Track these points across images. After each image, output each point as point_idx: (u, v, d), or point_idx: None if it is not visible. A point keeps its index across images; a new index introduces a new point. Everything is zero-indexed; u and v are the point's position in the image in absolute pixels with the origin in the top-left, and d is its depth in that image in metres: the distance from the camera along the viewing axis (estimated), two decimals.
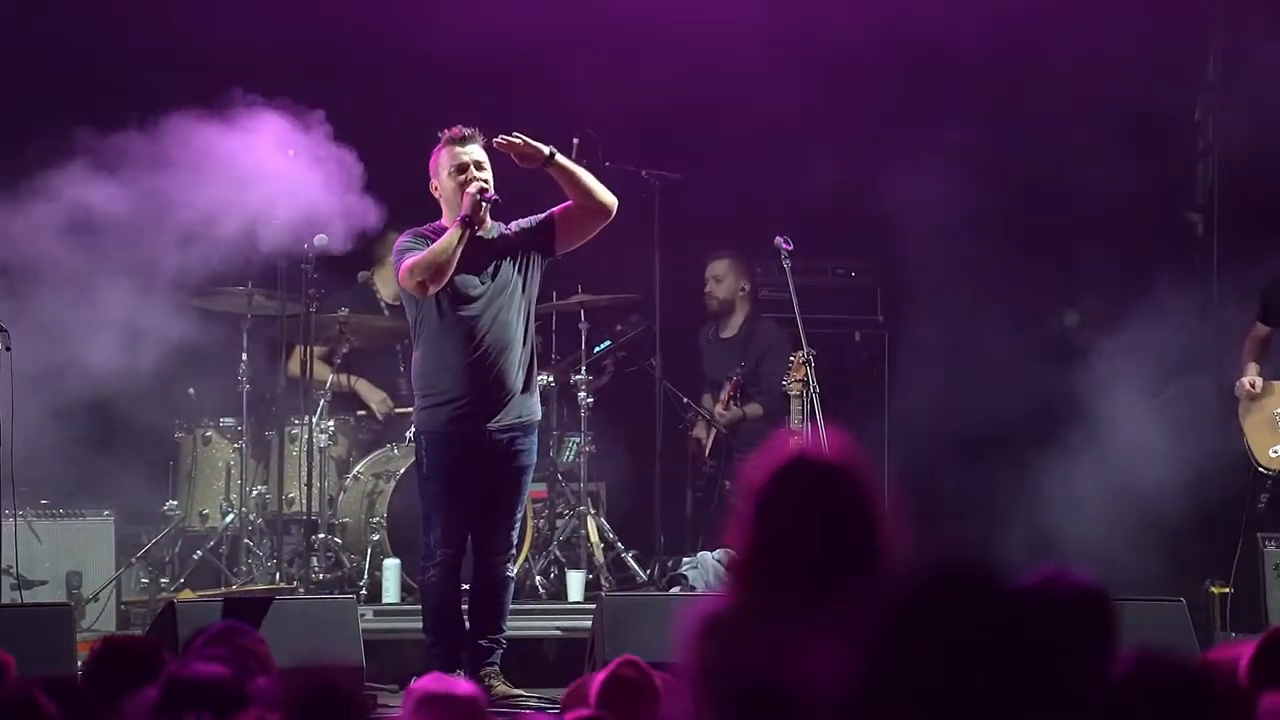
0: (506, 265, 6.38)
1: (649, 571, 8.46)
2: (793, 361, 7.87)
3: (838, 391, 8.19)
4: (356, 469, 8.35)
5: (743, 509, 2.82)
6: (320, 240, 7.89)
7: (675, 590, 8.13)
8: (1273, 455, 7.80)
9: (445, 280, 6.24)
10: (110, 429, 8.13)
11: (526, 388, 6.44)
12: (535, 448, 6.60)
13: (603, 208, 6.43)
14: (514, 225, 6.44)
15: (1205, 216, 9.45)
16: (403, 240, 6.41)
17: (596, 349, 8.77)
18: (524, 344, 6.43)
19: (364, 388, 8.58)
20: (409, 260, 6.26)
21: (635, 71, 8.72)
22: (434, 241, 6.27)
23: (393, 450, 8.36)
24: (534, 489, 8.34)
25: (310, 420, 8.12)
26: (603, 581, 8.25)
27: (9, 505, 7.25)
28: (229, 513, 8.18)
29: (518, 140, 6.33)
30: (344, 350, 8.40)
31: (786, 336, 8.44)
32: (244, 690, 3.21)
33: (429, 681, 3.43)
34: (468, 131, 6.37)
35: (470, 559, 6.54)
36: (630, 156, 8.56)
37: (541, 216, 6.46)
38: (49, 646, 6.03)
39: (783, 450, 2.87)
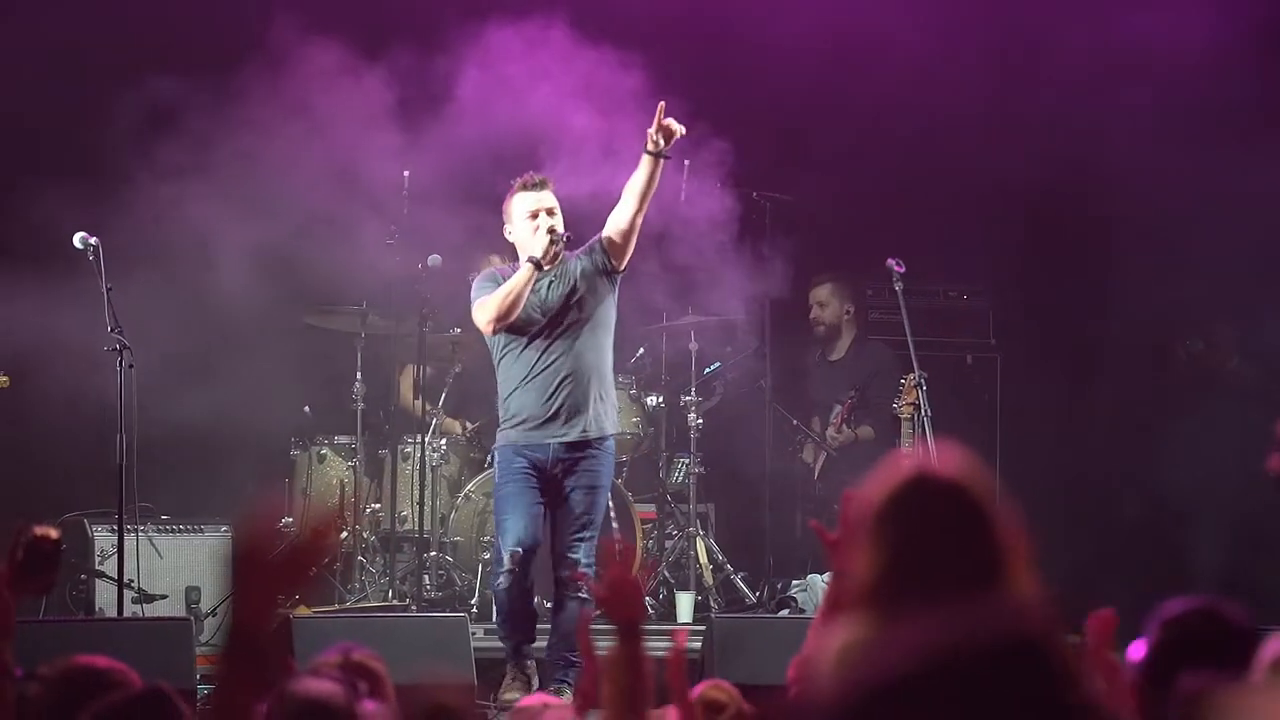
0: (573, 296, 6.69)
1: (758, 593, 8.44)
2: (904, 384, 7.84)
3: (948, 416, 8.12)
4: (468, 488, 8.43)
5: (859, 531, 2.77)
6: (434, 260, 7.98)
7: (784, 613, 8.12)
8: None
9: (512, 318, 6.62)
10: (228, 446, 8.27)
11: (599, 408, 6.70)
12: (608, 466, 6.81)
13: (640, 216, 6.66)
14: (575, 255, 6.75)
15: None
16: (477, 282, 6.80)
17: (706, 370, 8.78)
18: (596, 367, 6.70)
19: (448, 424, 8.64)
20: (479, 301, 6.69)
21: (743, 91, 8.74)
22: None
23: None
24: (642, 510, 8.39)
25: (423, 439, 8.21)
26: (712, 603, 8.25)
27: (131, 520, 7.40)
28: (343, 530, 8.29)
29: (675, 129, 6.51)
30: (456, 370, 8.48)
31: (895, 359, 8.41)
32: (353, 709, 3.25)
33: (529, 699, 3.48)
34: (539, 178, 6.73)
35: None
36: (743, 177, 8.59)
37: (592, 242, 6.76)
38: (169, 660, 6.14)
39: (900, 467, 2.81)
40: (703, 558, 8.37)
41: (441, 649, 6.62)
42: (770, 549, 8.65)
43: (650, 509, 8.52)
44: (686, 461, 8.59)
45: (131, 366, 7.06)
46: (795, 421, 8.91)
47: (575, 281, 6.68)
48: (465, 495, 8.41)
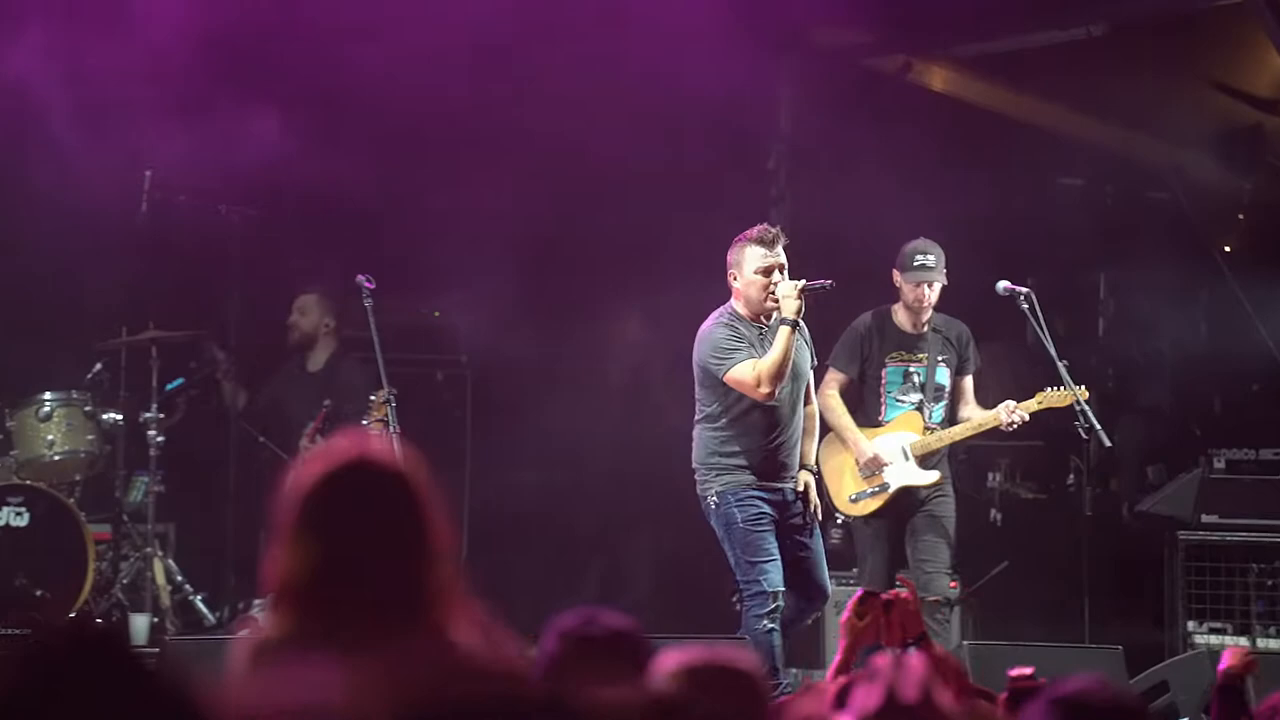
0: (801, 356, 6.86)
1: (218, 614, 8.26)
2: (374, 400, 7.81)
3: (419, 432, 8.15)
4: None
5: (287, 521, 2.58)
6: None
7: (245, 633, 7.94)
8: (851, 501, 7.75)
9: (784, 379, 6.71)
10: None
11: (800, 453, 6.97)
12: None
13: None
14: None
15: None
16: (719, 331, 6.79)
17: (169, 386, 8.54)
18: (798, 427, 6.93)
19: None
20: (739, 365, 6.69)
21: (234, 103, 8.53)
22: (744, 332, 6.76)
23: None
24: (97, 530, 8.08)
25: None
26: (168, 625, 8.03)
27: None
28: None
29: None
30: None
31: (368, 376, 8.37)
32: None
33: None
34: (773, 233, 6.79)
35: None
36: (208, 191, 8.37)
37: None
38: None
39: (333, 453, 2.61)
40: (160, 579, 8.13)
41: None
42: (234, 569, 8.46)
43: (105, 529, 8.21)
44: (146, 480, 8.33)
45: None
46: (261, 438, 8.76)
47: (807, 348, 6.91)
48: None
